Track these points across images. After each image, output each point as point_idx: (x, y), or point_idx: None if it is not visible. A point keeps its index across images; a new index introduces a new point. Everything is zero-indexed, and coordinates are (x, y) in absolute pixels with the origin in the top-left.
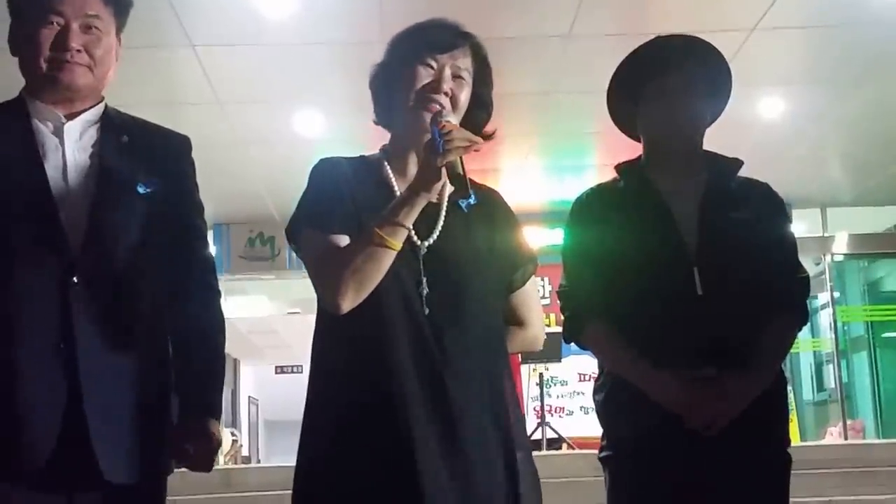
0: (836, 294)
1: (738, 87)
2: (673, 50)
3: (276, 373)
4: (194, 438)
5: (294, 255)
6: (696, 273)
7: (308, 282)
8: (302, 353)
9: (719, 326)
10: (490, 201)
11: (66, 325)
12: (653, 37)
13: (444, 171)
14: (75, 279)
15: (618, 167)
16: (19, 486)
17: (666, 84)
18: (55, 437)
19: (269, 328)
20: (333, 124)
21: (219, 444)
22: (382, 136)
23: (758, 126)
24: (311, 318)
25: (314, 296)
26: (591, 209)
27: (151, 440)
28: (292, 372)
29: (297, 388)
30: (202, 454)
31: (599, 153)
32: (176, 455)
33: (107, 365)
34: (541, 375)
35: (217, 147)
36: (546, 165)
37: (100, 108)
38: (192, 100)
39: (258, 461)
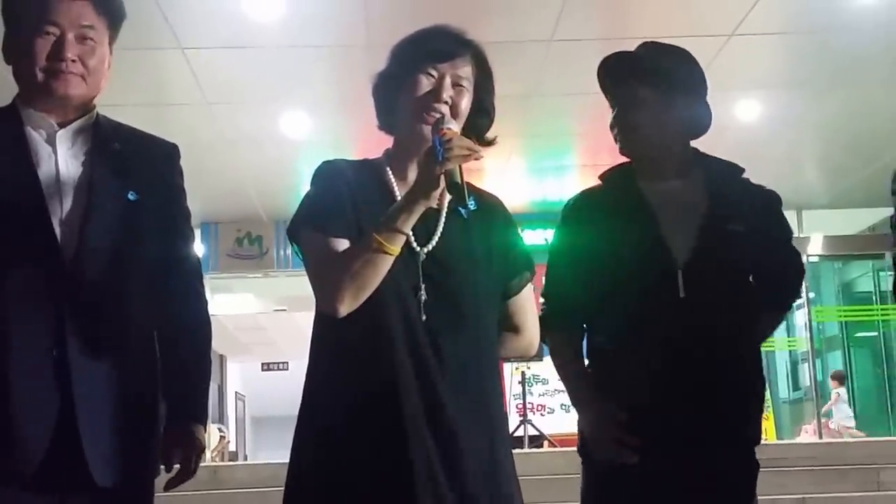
0: (812, 294)
1: (716, 91)
2: (619, 66)
3: (263, 370)
4: (181, 445)
5: (282, 254)
6: (680, 276)
7: (294, 280)
8: (288, 350)
9: (701, 328)
10: (489, 207)
11: (59, 330)
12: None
13: (442, 178)
14: (68, 284)
15: (602, 175)
16: (12, 488)
17: (617, 102)
18: (48, 440)
19: (255, 325)
20: (319, 125)
21: (202, 449)
22: (368, 138)
23: (735, 129)
24: (298, 316)
25: (300, 294)
26: (576, 215)
27: (140, 444)
28: (279, 369)
29: (283, 385)
30: (188, 460)
31: (581, 154)
32: (163, 460)
33: (98, 369)
34: (523, 374)
35: (205, 147)
36: (528, 166)
37: (91, 117)
38: (181, 101)
39: (245, 457)
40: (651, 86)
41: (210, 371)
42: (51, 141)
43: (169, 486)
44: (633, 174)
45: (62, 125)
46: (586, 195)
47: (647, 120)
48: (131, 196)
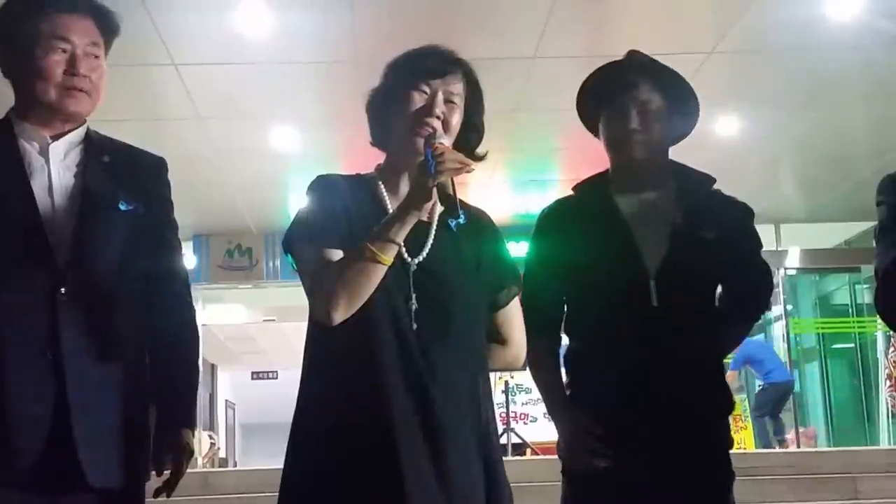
0: (789, 307)
1: None
2: (626, 72)
3: (253, 378)
4: (172, 450)
5: (271, 265)
6: (653, 284)
7: (283, 291)
8: (277, 359)
9: (673, 336)
10: (478, 221)
11: (54, 336)
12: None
13: (434, 191)
14: (63, 291)
15: (575, 187)
16: (8, 489)
17: (621, 105)
18: (43, 442)
19: (245, 335)
20: (308, 139)
21: (192, 453)
22: (356, 152)
23: (715, 144)
24: (286, 326)
25: (289, 304)
26: (551, 223)
27: (132, 447)
28: (268, 378)
29: (272, 393)
30: (178, 464)
31: (563, 168)
32: (155, 465)
33: (91, 373)
34: (506, 383)
35: (198, 161)
36: (512, 180)
37: (83, 130)
38: (175, 116)
39: (235, 463)
40: (660, 90)
41: (198, 378)
42: (43, 153)
43: (159, 493)
44: (608, 185)
45: (55, 138)
46: (561, 204)
47: (657, 126)
48: (122, 206)
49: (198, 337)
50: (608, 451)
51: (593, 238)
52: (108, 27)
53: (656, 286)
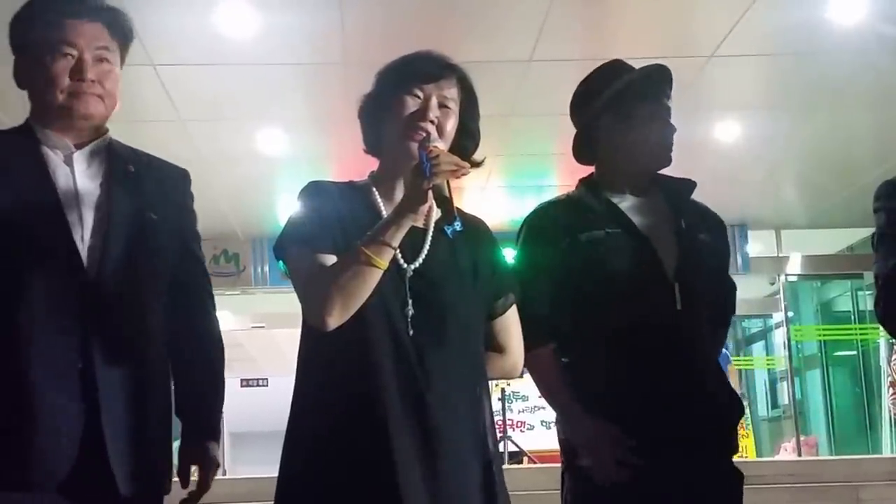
0: (790, 313)
1: (697, 111)
2: (656, 77)
3: (242, 386)
4: (198, 462)
5: (258, 271)
6: (677, 287)
7: (272, 297)
8: (266, 366)
9: (695, 340)
10: (475, 229)
11: (85, 345)
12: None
13: (430, 194)
14: (92, 300)
15: (577, 185)
16: (39, 496)
17: (654, 112)
18: (76, 450)
19: (233, 342)
20: (296, 142)
21: (218, 465)
22: (344, 155)
23: (715, 149)
24: (275, 333)
25: (278, 311)
26: (545, 228)
27: (157, 457)
28: (257, 385)
29: (261, 401)
30: (205, 477)
31: (559, 173)
32: (180, 478)
33: (121, 383)
34: (502, 390)
35: (180, 164)
36: (507, 185)
37: (105, 139)
38: (154, 118)
39: (224, 472)
40: (669, 100)
41: (223, 390)
42: (68, 161)
43: (184, 487)
44: (600, 188)
45: (78, 146)
46: (553, 208)
47: (672, 135)
48: (148, 216)
49: (222, 347)
50: (638, 461)
51: (604, 243)
52: (119, 31)
53: (679, 289)
